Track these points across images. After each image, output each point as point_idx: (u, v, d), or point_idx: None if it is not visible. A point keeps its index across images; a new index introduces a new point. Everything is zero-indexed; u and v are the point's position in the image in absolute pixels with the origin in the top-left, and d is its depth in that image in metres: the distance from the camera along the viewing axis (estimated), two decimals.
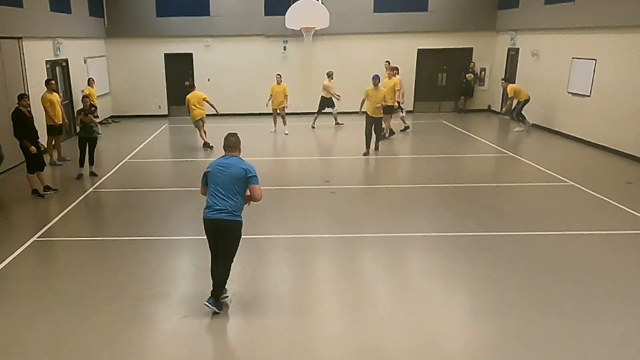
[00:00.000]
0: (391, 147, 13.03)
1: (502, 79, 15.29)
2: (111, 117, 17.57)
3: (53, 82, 11.60)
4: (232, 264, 5.24)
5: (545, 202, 8.79)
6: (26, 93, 10.55)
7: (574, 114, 13.44)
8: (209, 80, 17.69)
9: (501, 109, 16.73)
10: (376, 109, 11.76)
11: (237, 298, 5.44)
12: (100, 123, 13.20)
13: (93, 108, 10.43)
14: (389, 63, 14.79)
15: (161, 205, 8.83)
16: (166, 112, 18.12)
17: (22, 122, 8.78)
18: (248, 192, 5.11)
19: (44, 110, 11.08)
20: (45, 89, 11.24)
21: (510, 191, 9.52)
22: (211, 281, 5.22)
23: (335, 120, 15.66)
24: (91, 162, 10.41)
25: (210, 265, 5.29)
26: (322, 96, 15.28)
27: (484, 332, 4.94)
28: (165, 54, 17.69)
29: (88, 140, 10.27)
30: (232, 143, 5.23)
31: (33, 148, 8.81)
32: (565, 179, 9.80)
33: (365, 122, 12.09)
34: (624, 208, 8.16)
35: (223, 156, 5.21)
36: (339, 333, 4.97)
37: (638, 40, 11.06)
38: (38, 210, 8.69)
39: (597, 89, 12.46)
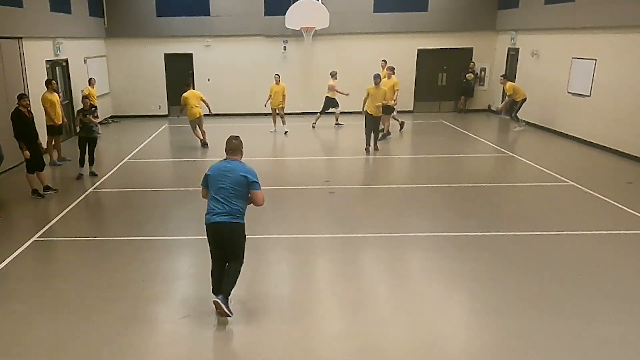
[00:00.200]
0: (391, 147, 13.04)
1: (501, 76, 15.18)
2: (111, 117, 17.57)
3: (54, 82, 11.61)
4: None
5: (545, 202, 8.78)
6: (26, 93, 10.56)
7: (574, 114, 13.44)
8: (209, 80, 17.71)
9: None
10: (377, 108, 11.81)
11: (237, 298, 5.43)
12: (100, 123, 13.23)
13: (93, 108, 10.43)
14: (386, 62, 14.80)
15: (161, 205, 8.83)
16: (166, 112, 18.13)
17: (22, 123, 8.77)
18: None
19: (44, 110, 11.09)
20: (46, 89, 11.24)
21: (510, 191, 9.52)
22: (211, 285, 5.18)
23: (336, 120, 15.67)
24: (91, 162, 10.41)
25: (210, 270, 5.21)
26: (327, 96, 15.27)
27: (484, 332, 4.94)
28: (165, 54, 17.70)
29: (88, 140, 10.27)
30: (234, 146, 5.14)
31: (27, 152, 8.79)
32: (565, 179, 9.80)
33: (365, 121, 12.14)
34: (624, 208, 8.16)
35: (225, 159, 5.14)
36: (339, 333, 4.97)
37: (638, 40, 11.06)
38: (38, 210, 8.69)
39: (597, 88, 12.46)
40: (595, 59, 12.44)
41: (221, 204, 4.94)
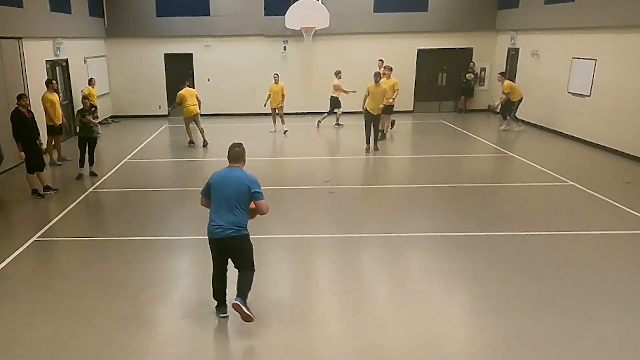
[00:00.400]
0: (391, 147, 13.04)
1: (499, 73, 15.09)
2: (111, 117, 17.58)
3: (54, 82, 11.61)
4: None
5: (545, 202, 8.79)
6: (26, 93, 10.56)
7: (574, 114, 13.44)
8: (209, 80, 17.72)
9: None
10: (377, 107, 11.83)
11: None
12: (100, 123, 13.23)
13: (93, 108, 10.43)
14: (382, 62, 14.78)
15: (161, 205, 8.83)
16: (166, 112, 18.12)
17: (21, 123, 8.77)
18: (252, 205, 4.96)
19: (44, 110, 11.08)
20: (46, 89, 11.25)
21: (510, 191, 9.52)
22: (211, 287, 5.17)
23: (337, 120, 15.67)
24: (91, 162, 10.41)
25: (211, 275, 5.17)
26: (331, 96, 15.25)
27: (484, 332, 4.94)
28: (165, 54, 17.70)
29: (88, 140, 10.27)
30: (236, 154, 5.00)
31: (22, 154, 8.79)
32: (565, 179, 9.80)
33: (364, 120, 12.15)
34: (624, 208, 8.17)
35: (227, 167, 5.02)
36: (339, 333, 4.97)
37: (638, 40, 11.06)
38: (38, 210, 8.70)
39: (597, 88, 12.46)
40: (595, 59, 12.44)
41: (225, 215, 4.83)
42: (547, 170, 10.43)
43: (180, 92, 13.10)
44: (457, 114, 17.96)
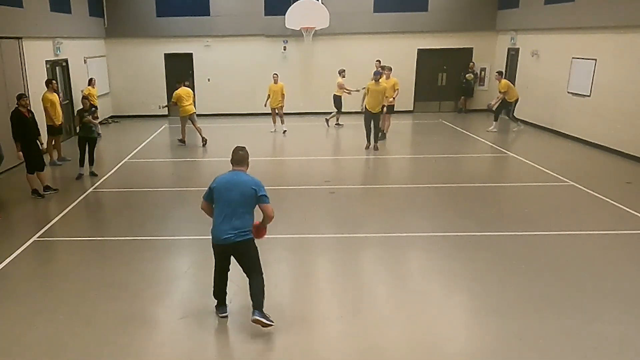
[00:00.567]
0: (391, 147, 13.04)
1: (497, 72, 15.07)
2: (111, 117, 17.57)
3: (54, 82, 11.61)
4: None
5: (545, 202, 8.79)
6: (26, 93, 10.55)
7: (574, 114, 13.44)
8: (209, 80, 17.72)
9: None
10: (377, 105, 11.85)
11: (237, 298, 5.43)
12: (100, 123, 13.24)
13: (93, 108, 10.43)
14: (380, 62, 14.77)
15: (161, 205, 8.83)
16: (166, 112, 18.10)
17: (20, 123, 8.77)
18: (256, 222, 4.95)
19: (44, 110, 11.08)
20: (46, 89, 11.25)
21: (510, 191, 9.53)
22: (212, 288, 5.16)
23: (337, 120, 15.66)
24: (91, 162, 10.41)
25: (213, 276, 5.14)
26: (334, 94, 15.21)
27: (484, 332, 4.94)
28: (165, 54, 17.69)
29: (88, 140, 10.27)
30: (240, 157, 4.93)
31: (20, 154, 8.80)
32: (565, 179, 9.80)
33: (364, 118, 12.18)
34: (624, 208, 8.16)
35: (230, 171, 4.96)
36: (339, 333, 4.97)
37: (638, 40, 11.06)
38: (38, 210, 8.70)
39: (597, 88, 12.46)
40: (595, 59, 12.44)
41: (229, 220, 4.79)
42: (547, 170, 10.43)
43: (176, 91, 13.16)
44: (457, 114, 17.96)
